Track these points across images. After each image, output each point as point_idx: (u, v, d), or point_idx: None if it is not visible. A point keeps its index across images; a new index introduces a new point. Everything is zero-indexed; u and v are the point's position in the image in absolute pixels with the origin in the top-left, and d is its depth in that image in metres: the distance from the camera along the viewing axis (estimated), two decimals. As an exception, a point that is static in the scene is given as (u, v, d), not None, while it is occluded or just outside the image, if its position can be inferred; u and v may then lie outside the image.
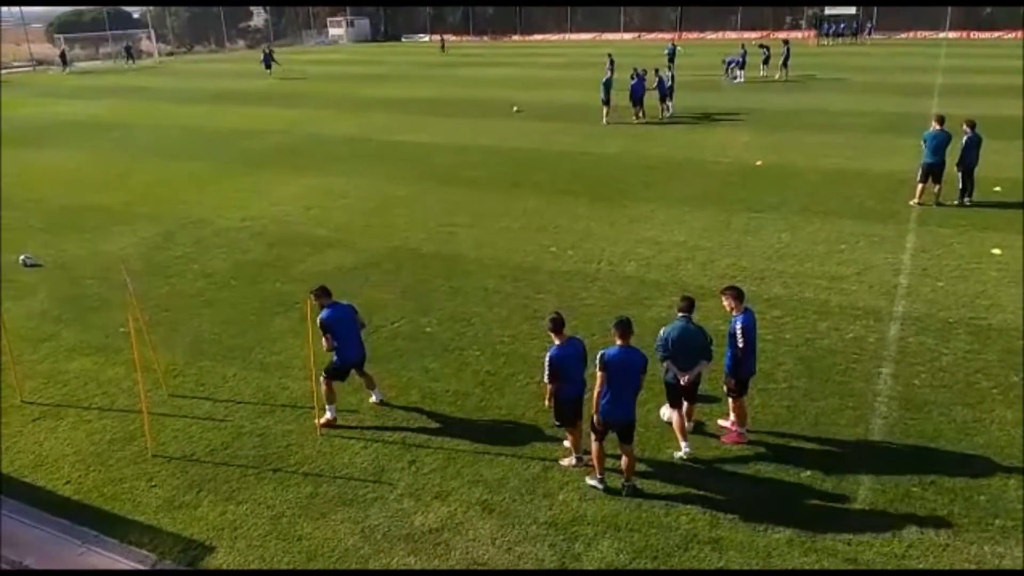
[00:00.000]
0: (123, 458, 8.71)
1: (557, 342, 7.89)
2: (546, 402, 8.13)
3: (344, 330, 8.95)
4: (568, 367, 7.85)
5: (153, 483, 8.25)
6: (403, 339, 11.45)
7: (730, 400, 8.66)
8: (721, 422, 8.93)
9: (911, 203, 17.01)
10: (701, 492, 7.82)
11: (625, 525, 7.39)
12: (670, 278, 13.33)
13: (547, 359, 7.79)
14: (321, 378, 9.12)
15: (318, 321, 8.90)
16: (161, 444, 8.92)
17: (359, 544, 7.27)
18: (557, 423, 8.24)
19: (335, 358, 9.09)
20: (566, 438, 8.38)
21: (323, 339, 8.91)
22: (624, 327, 7.61)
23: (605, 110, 28.56)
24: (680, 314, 8.29)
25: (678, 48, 43.12)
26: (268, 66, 48.80)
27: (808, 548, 7.03)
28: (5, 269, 14.60)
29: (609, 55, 39.15)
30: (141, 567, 7.06)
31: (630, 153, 23.61)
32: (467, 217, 17.36)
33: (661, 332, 8.32)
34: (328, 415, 9.16)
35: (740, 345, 8.19)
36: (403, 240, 15.97)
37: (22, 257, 15.23)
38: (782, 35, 68.03)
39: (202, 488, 8.15)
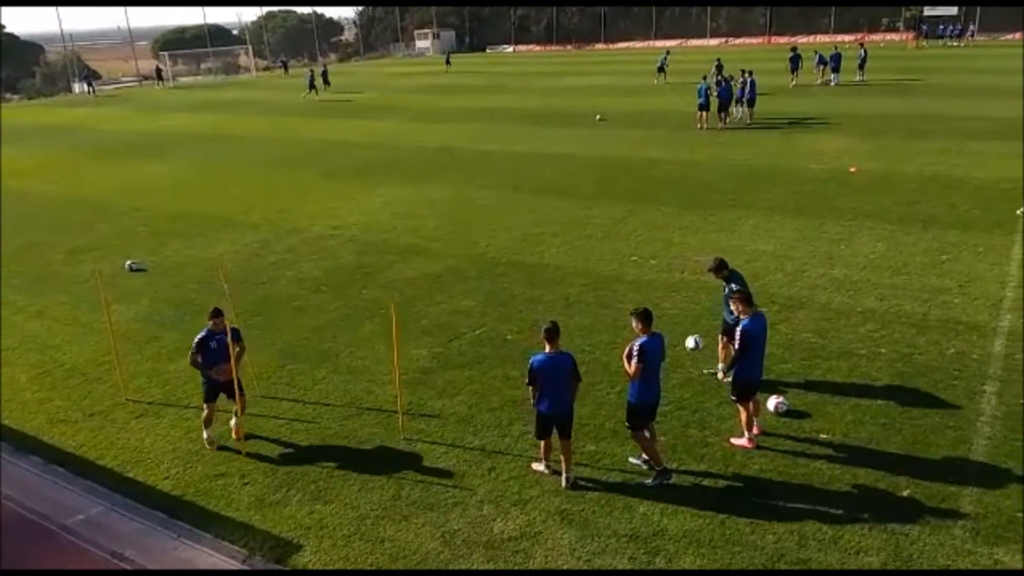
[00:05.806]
0: (218, 456, 9.09)
1: (548, 350, 7.99)
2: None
3: None
4: (549, 378, 7.91)
5: (246, 481, 8.58)
6: (484, 346, 11.55)
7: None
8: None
9: (1019, 212, 16.09)
10: (789, 509, 7.58)
11: (708, 542, 7.22)
12: (757, 288, 12.89)
13: (529, 364, 7.96)
14: None
15: None
16: (253, 444, 9.27)
17: (439, 548, 7.36)
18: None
19: None
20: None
21: None
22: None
23: (699, 115, 28.09)
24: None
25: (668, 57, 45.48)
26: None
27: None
28: (113, 274, 15.46)
29: (717, 59, 38.32)
30: (233, 563, 7.34)
31: (717, 160, 23.17)
32: (550, 226, 17.39)
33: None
34: None
35: (737, 347, 8.40)
36: (486, 248, 16.12)
37: (128, 263, 16.12)
38: (877, 37, 65.61)
39: (291, 487, 8.42)
